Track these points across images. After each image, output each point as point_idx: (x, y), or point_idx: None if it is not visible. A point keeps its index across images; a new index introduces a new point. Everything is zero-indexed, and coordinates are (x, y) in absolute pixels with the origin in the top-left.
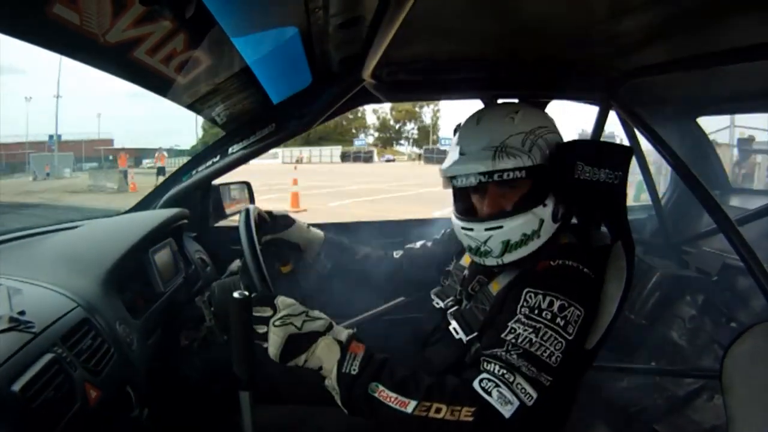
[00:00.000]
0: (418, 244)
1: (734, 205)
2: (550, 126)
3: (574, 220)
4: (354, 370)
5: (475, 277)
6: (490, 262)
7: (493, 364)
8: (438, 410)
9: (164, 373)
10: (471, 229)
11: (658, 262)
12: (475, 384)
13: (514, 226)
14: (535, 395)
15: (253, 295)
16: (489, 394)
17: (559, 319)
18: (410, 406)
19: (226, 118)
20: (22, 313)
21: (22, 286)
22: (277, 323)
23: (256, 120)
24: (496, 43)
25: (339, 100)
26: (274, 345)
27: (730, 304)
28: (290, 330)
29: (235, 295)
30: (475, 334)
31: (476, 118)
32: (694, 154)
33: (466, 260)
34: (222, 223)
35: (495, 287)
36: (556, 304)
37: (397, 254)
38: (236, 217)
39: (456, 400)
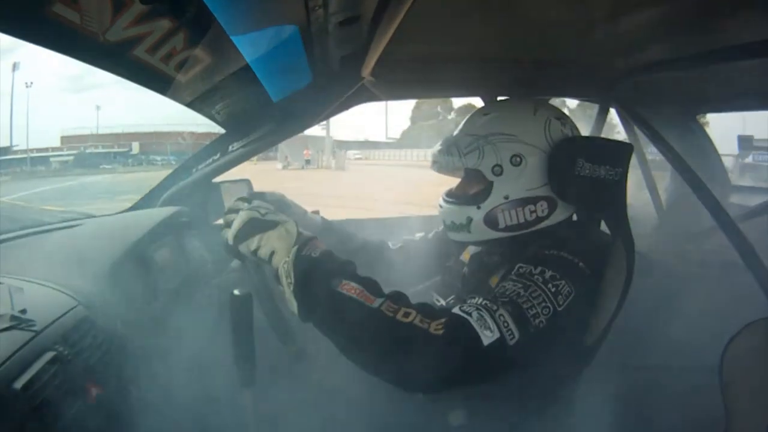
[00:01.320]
0: (418, 236)
1: (733, 203)
2: (519, 135)
3: (574, 217)
4: (315, 253)
5: (476, 272)
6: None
7: (476, 299)
8: (407, 314)
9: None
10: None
11: (658, 259)
12: (455, 309)
13: (447, 211)
14: (517, 335)
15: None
16: (468, 315)
17: (550, 285)
18: (377, 302)
19: (225, 116)
20: (23, 311)
21: (23, 285)
22: (244, 208)
23: (256, 118)
24: (496, 42)
25: (339, 98)
26: (234, 226)
27: (730, 300)
28: (253, 214)
29: (235, 292)
30: None
31: (470, 115)
32: (693, 152)
33: (465, 256)
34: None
35: (494, 281)
36: (548, 273)
37: (394, 245)
38: None
39: (429, 313)
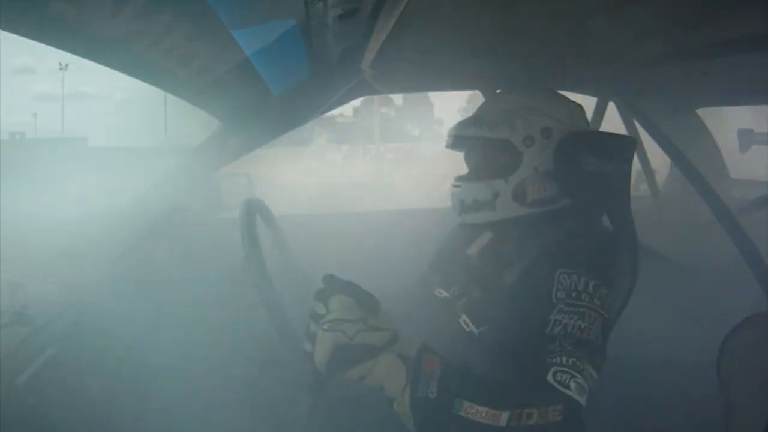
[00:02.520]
0: (427, 266)
1: (733, 197)
2: (545, 109)
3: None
4: (432, 393)
5: (488, 264)
6: (456, 217)
7: (558, 357)
8: (530, 415)
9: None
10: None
11: (657, 253)
12: (549, 378)
13: (468, 189)
14: (596, 376)
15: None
16: (567, 387)
17: (596, 300)
18: (503, 418)
19: (224, 110)
20: (24, 307)
21: (25, 281)
22: (325, 327)
23: (254, 111)
24: (496, 35)
25: (338, 91)
26: (320, 354)
27: (729, 295)
28: (339, 339)
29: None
30: (487, 326)
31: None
32: (693, 146)
33: (472, 249)
34: (222, 215)
35: (507, 277)
36: (591, 284)
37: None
38: (236, 210)
39: (542, 401)
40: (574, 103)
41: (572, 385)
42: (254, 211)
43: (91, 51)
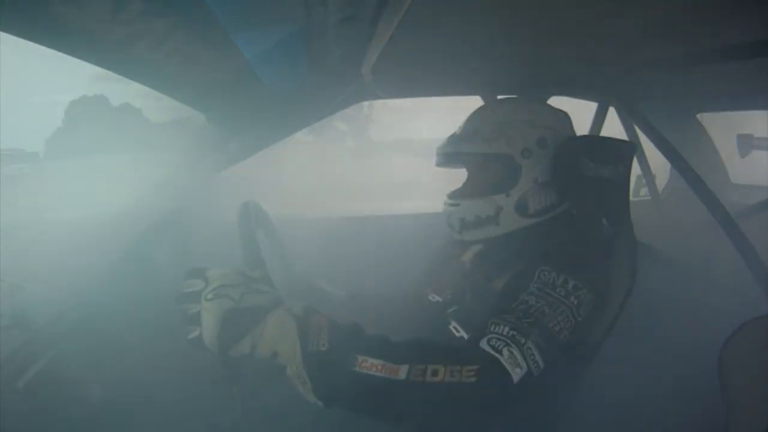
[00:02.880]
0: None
1: (733, 201)
2: (537, 120)
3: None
4: (323, 345)
5: (481, 270)
6: (454, 235)
7: (502, 326)
8: (435, 372)
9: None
10: (444, 203)
11: (657, 256)
12: (483, 343)
13: (469, 207)
14: (542, 365)
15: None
16: (499, 353)
17: (573, 298)
18: (402, 371)
19: (224, 114)
20: (24, 310)
21: (25, 284)
22: (209, 296)
23: (255, 115)
24: (496, 40)
25: (338, 95)
26: (209, 326)
27: (729, 298)
28: (226, 304)
29: None
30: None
31: (476, 109)
32: (693, 150)
33: (466, 256)
34: (221, 218)
35: (497, 283)
36: (571, 282)
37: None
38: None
39: (455, 359)
40: (561, 110)
41: (505, 352)
42: (252, 214)
43: (90, 53)
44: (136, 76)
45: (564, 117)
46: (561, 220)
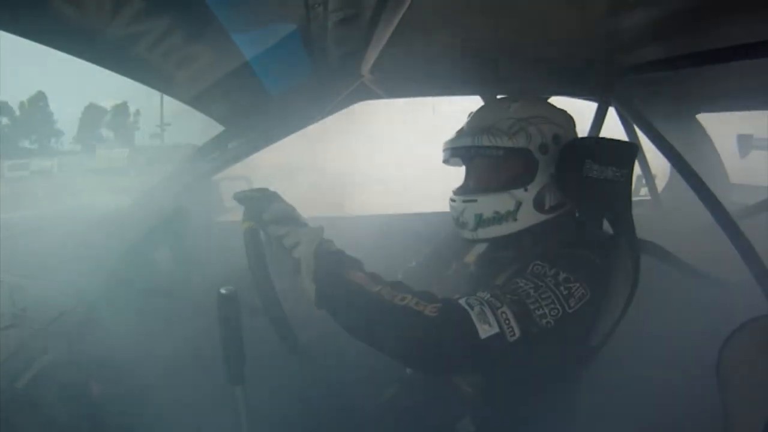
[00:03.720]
0: (414, 262)
1: (733, 201)
2: (550, 117)
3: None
4: (332, 249)
5: (485, 270)
6: (466, 234)
7: (484, 294)
8: (403, 299)
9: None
10: (454, 201)
11: (656, 257)
12: (461, 300)
13: (487, 202)
14: (518, 333)
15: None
16: (470, 307)
17: (562, 288)
18: (377, 287)
19: (225, 114)
20: (24, 310)
21: (24, 283)
22: (280, 202)
23: (255, 115)
24: (496, 40)
25: (338, 95)
26: (274, 208)
27: (728, 298)
28: (291, 210)
29: (222, 291)
30: None
31: (485, 105)
32: (693, 151)
33: (470, 258)
34: (223, 218)
35: (500, 279)
36: (562, 275)
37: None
38: (237, 213)
39: (427, 298)
40: (540, 116)
41: (476, 308)
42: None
43: (89, 52)
44: (135, 75)
45: (570, 118)
46: (562, 221)
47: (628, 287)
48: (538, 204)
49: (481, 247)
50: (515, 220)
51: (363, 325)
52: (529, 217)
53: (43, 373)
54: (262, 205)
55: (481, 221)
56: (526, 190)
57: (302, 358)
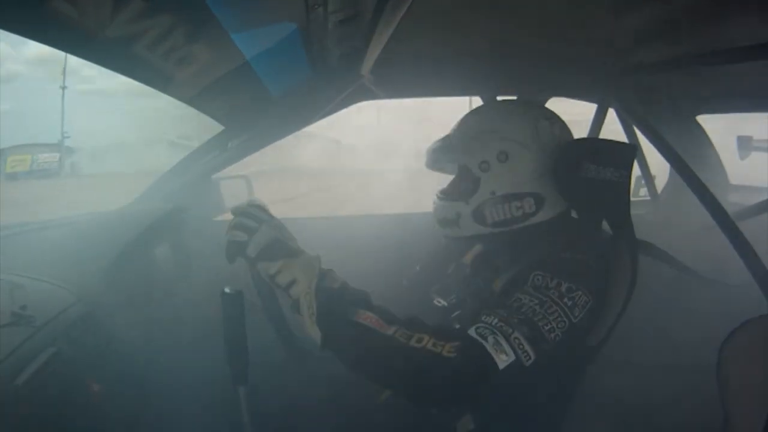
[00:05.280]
0: (418, 266)
1: (732, 201)
2: (503, 131)
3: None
4: (334, 285)
5: (480, 273)
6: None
7: (491, 317)
8: (420, 340)
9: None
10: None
11: (656, 258)
12: (471, 330)
13: (441, 206)
14: (533, 357)
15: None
16: (484, 339)
17: (566, 299)
18: (391, 330)
19: (225, 113)
20: (23, 308)
21: (24, 281)
22: (265, 220)
23: (255, 115)
24: (496, 41)
25: (338, 95)
26: (257, 242)
27: (728, 298)
28: (277, 235)
29: (226, 290)
30: None
31: (466, 114)
32: (693, 152)
33: (468, 258)
34: (222, 217)
35: (498, 284)
36: (564, 285)
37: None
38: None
39: (443, 336)
40: (553, 118)
41: (490, 339)
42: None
43: (89, 52)
44: (135, 75)
45: (549, 128)
46: (555, 225)
47: (626, 288)
48: (479, 218)
49: (477, 248)
50: (458, 227)
51: (377, 370)
52: (470, 228)
53: (43, 371)
54: (242, 241)
55: (437, 221)
56: (467, 203)
57: (303, 359)
